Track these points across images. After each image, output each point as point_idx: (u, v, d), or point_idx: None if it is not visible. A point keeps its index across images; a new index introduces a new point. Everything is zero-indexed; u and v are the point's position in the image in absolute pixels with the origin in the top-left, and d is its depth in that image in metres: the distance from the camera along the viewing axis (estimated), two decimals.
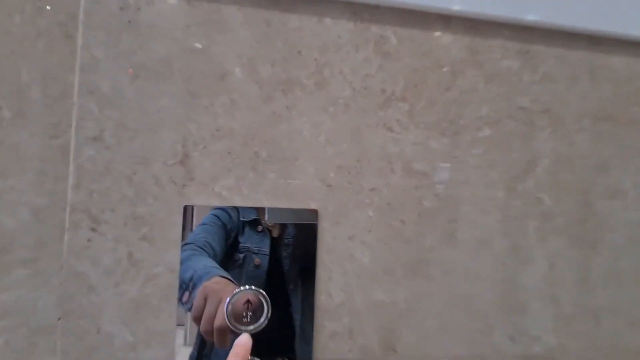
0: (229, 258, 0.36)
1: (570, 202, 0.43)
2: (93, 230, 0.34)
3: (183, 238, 0.35)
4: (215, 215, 0.36)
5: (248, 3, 0.37)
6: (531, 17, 0.41)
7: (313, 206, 0.38)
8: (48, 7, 0.34)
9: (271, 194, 0.37)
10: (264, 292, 0.34)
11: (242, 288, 0.34)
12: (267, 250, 0.36)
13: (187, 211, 0.35)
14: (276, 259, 0.37)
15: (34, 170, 0.33)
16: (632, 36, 0.44)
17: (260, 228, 0.37)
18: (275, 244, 0.37)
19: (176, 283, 0.35)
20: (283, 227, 0.37)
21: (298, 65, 0.38)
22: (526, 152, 0.43)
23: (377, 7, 0.39)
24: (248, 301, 0.34)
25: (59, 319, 0.33)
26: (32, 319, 0.33)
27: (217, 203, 0.36)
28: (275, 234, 0.37)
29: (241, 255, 0.36)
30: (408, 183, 0.40)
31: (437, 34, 0.41)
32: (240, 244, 0.36)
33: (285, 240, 0.37)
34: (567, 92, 0.44)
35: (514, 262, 0.42)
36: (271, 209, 0.37)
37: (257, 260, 0.36)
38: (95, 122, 0.34)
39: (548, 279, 0.42)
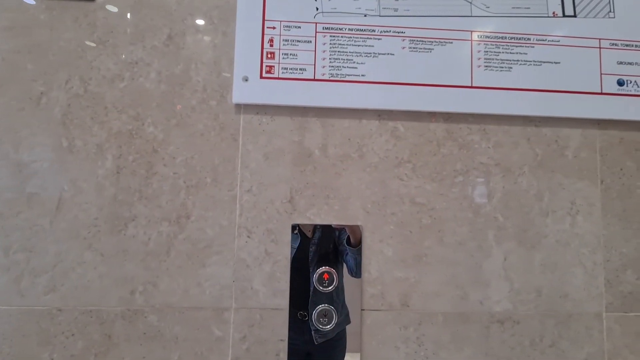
0: None
1: (516, 219, 0.71)
2: (248, 236, 0.67)
3: (292, 242, 0.67)
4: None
5: (324, 114, 0.70)
6: (485, 109, 0.71)
7: (359, 223, 0.68)
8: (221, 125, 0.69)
9: (335, 218, 0.68)
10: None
11: None
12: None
13: (293, 227, 0.67)
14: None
15: (224, 210, 0.67)
16: (552, 115, 0.72)
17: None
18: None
19: (288, 264, 0.66)
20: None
21: (348, 146, 0.70)
22: (486, 189, 0.71)
23: (391, 111, 0.71)
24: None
25: (234, 281, 0.66)
26: (221, 281, 0.66)
27: (308, 222, 0.68)
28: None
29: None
30: (413, 210, 0.69)
31: (427, 123, 0.71)
32: None
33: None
34: (511, 152, 0.72)
35: (480, 256, 0.69)
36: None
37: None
38: (247, 182, 0.67)
39: (503, 266, 0.70)
